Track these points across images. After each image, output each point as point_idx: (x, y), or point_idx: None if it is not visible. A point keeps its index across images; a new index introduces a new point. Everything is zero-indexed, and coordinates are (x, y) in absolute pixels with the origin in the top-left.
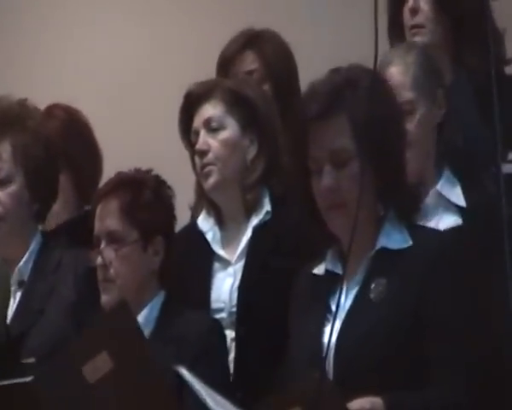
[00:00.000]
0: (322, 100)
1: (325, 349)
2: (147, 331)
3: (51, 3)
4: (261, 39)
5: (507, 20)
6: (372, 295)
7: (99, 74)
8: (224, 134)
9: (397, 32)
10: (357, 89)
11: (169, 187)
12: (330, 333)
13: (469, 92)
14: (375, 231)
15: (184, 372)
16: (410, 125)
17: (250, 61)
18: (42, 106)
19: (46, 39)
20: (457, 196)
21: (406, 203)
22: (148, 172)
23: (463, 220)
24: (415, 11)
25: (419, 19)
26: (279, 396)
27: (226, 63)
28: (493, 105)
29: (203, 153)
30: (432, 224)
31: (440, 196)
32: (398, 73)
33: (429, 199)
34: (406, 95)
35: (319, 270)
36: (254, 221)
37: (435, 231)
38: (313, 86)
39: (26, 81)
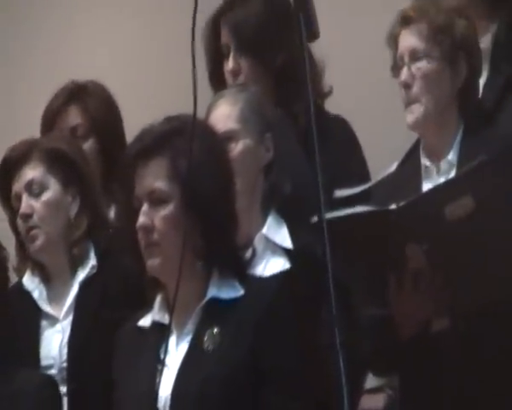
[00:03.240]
0: (147, 141)
1: (159, 403)
2: None
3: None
4: (85, 93)
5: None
6: (205, 346)
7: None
8: (46, 195)
9: (220, 89)
10: (182, 135)
11: (4, 248)
12: (159, 385)
13: (294, 135)
14: (205, 280)
15: None
16: (233, 155)
17: (74, 116)
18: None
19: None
20: (284, 238)
21: (235, 253)
22: None
23: (291, 263)
24: (235, 73)
25: (240, 80)
26: None
27: (50, 119)
28: (314, 151)
29: (27, 216)
30: (260, 267)
31: (267, 239)
32: (226, 105)
33: (256, 243)
34: (231, 124)
35: (145, 322)
36: (80, 276)
37: (264, 280)
38: (143, 130)
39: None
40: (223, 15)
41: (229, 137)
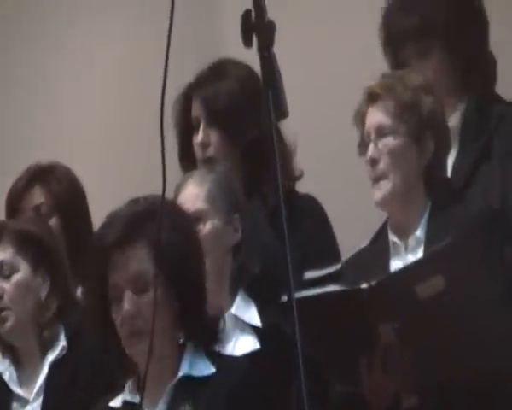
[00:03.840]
0: (121, 228)
1: None
2: None
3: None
4: (48, 173)
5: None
6: None
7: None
8: (16, 277)
9: (188, 165)
10: (155, 218)
11: None
12: None
13: (263, 215)
14: (177, 359)
15: None
16: (201, 235)
17: (37, 196)
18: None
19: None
20: (252, 317)
21: (206, 331)
22: None
23: (260, 341)
24: (205, 145)
25: (209, 152)
26: None
27: (14, 200)
28: (284, 230)
29: None
30: (229, 346)
31: (236, 318)
32: (194, 185)
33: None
34: (199, 204)
35: (116, 402)
36: (50, 358)
37: (235, 358)
38: (112, 215)
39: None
40: (195, 89)
41: (198, 217)
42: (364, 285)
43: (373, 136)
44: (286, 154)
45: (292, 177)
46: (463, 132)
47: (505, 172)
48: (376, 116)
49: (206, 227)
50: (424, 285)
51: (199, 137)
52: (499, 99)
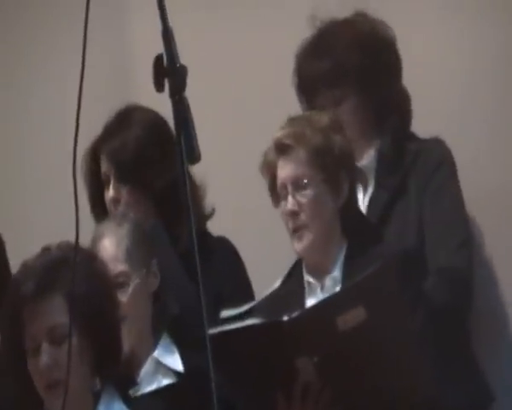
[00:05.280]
0: (37, 278)
1: None
2: None
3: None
4: None
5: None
6: None
7: None
8: None
9: (99, 214)
10: (69, 266)
11: None
12: None
13: (177, 258)
14: (93, 406)
15: None
16: (123, 298)
17: None
18: None
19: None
20: (175, 361)
21: (122, 376)
22: None
23: (181, 384)
24: (116, 201)
25: (121, 207)
26: None
27: None
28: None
29: None
30: (151, 390)
31: (158, 362)
32: (110, 245)
33: (147, 366)
34: (119, 267)
35: None
36: None
37: (151, 398)
38: (26, 265)
39: None
40: (102, 143)
41: (120, 281)
42: (285, 318)
43: (290, 188)
44: (197, 195)
45: (203, 216)
46: (379, 170)
47: (421, 207)
48: (290, 168)
49: (128, 291)
50: (345, 317)
51: (110, 194)
52: (414, 137)
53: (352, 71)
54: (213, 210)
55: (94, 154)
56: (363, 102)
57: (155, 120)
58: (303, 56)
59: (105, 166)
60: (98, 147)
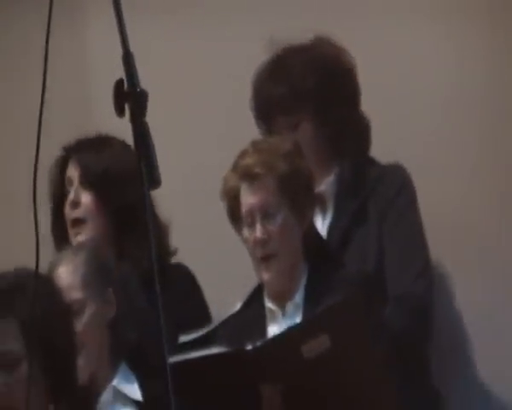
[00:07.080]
0: None
1: None
2: None
3: None
4: None
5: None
6: None
7: None
8: None
9: (60, 233)
10: (24, 292)
11: None
12: None
13: (135, 283)
14: None
15: None
16: (79, 326)
17: None
18: None
19: None
20: (134, 390)
21: (80, 405)
22: None
23: None
24: (75, 204)
25: (79, 213)
26: None
27: None
28: (157, 300)
29: None
30: None
31: (117, 391)
32: (66, 273)
33: (106, 395)
34: (75, 295)
35: None
36: None
37: None
38: None
39: None
40: (72, 152)
41: (75, 308)
42: (249, 347)
43: (258, 216)
44: (160, 227)
45: (166, 251)
46: (338, 195)
47: (381, 233)
48: (259, 196)
49: (83, 319)
50: (310, 344)
51: (70, 196)
52: (374, 162)
53: (307, 96)
54: (176, 250)
55: (63, 162)
56: (319, 127)
57: (125, 145)
58: (259, 81)
59: (71, 170)
60: (67, 155)
